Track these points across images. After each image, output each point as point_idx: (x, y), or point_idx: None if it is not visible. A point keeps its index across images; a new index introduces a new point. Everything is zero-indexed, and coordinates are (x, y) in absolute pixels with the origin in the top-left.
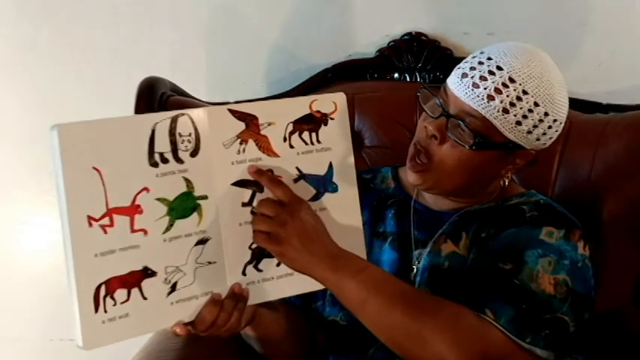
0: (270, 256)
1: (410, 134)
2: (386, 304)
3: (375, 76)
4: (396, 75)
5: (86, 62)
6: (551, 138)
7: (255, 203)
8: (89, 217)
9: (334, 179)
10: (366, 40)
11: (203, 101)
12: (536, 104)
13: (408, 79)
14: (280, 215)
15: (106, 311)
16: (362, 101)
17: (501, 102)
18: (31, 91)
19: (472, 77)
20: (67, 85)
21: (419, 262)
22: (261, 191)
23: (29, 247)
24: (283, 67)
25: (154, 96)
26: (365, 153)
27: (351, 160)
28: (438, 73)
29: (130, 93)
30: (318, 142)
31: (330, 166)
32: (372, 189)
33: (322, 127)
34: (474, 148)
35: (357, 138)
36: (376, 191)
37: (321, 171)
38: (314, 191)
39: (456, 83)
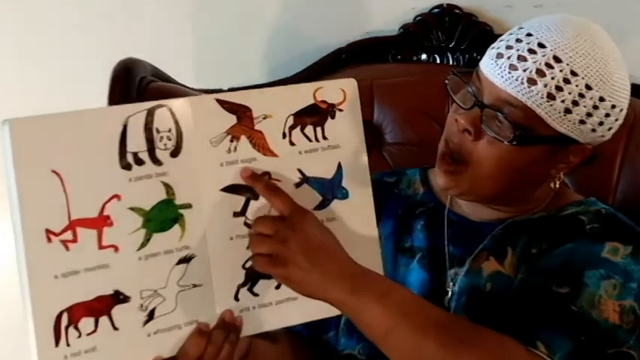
0: (268, 276)
1: (441, 128)
2: (416, 333)
3: (399, 57)
4: (423, 56)
5: (49, 43)
6: (610, 129)
7: (249, 212)
8: (48, 231)
9: (344, 183)
10: (388, 15)
11: (191, 88)
12: (588, 87)
13: (438, 60)
14: (281, 231)
15: (68, 344)
16: (382, 88)
17: (545, 86)
18: None
19: (509, 58)
20: (27, 70)
21: (454, 284)
22: (257, 198)
23: None
24: (287, 47)
25: (132, 82)
26: (386, 151)
27: (364, 159)
28: (474, 54)
29: (102, 79)
30: (324, 138)
31: (339, 167)
32: (396, 195)
33: (329, 120)
34: (514, 143)
35: (376, 133)
36: (402, 198)
37: (328, 173)
38: (320, 198)
39: (490, 66)
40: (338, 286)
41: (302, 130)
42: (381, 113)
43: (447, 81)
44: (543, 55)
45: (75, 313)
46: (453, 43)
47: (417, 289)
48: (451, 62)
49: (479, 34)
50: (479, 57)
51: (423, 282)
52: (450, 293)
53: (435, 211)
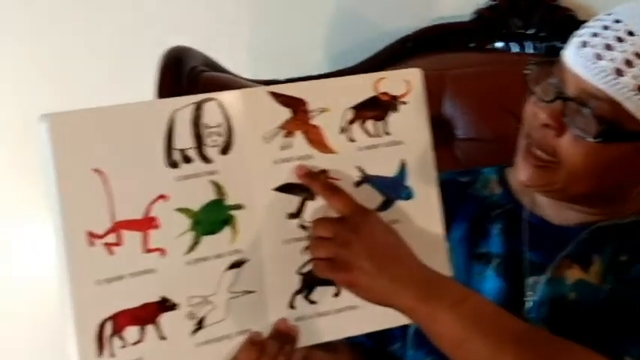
0: (326, 282)
1: (518, 123)
2: (492, 346)
3: (472, 45)
4: (499, 44)
5: (96, 31)
6: None
7: (305, 214)
8: (90, 234)
9: (407, 182)
10: None
11: (245, 79)
12: None
13: (515, 49)
14: (342, 234)
15: (112, 355)
16: (454, 79)
17: (634, 77)
18: (24, 67)
19: (594, 46)
20: (68, 60)
21: (534, 293)
22: (313, 198)
23: (13, 271)
24: (349, 34)
25: (182, 72)
26: (457, 148)
27: (430, 156)
28: (555, 42)
29: (150, 68)
30: (386, 133)
31: (403, 165)
32: (470, 196)
33: (391, 113)
34: (600, 140)
35: (446, 127)
36: (476, 199)
37: (391, 172)
38: (382, 198)
39: (573, 55)
40: (407, 292)
41: (362, 124)
42: (452, 106)
43: (526, 71)
44: (632, 44)
45: (119, 321)
46: (531, 30)
47: (492, 299)
48: (529, 51)
49: (561, 20)
50: (561, 45)
51: (499, 291)
52: (529, 303)
53: (513, 213)
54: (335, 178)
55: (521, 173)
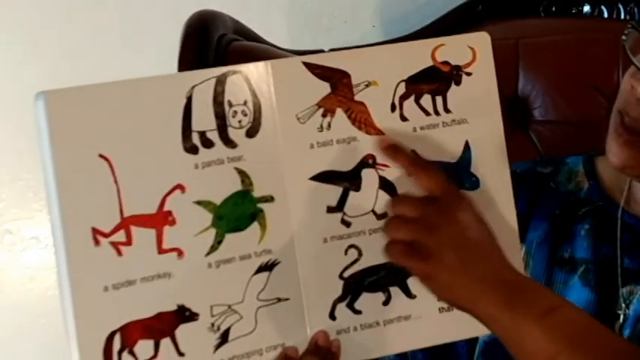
0: (374, 289)
1: (608, 102)
2: None
3: (553, 9)
4: (586, 8)
5: None
6: None
7: (347, 207)
8: (95, 231)
9: (473, 169)
10: None
11: (282, 50)
12: None
13: (605, 14)
14: (428, 216)
15: None
16: (530, 50)
17: None
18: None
19: None
20: (74, 25)
21: (628, 306)
22: (357, 189)
23: (8, 275)
24: None
25: (209, 40)
26: (534, 132)
27: (501, 138)
28: None
29: (173, 37)
30: (447, 111)
31: (467, 148)
32: (552, 190)
33: (453, 87)
34: None
35: (521, 108)
36: (560, 194)
37: (453, 156)
38: None
39: None
40: (491, 297)
41: (417, 100)
42: (529, 82)
43: (624, 37)
44: None
45: (130, 333)
46: None
47: None
48: (623, 16)
49: None
50: None
51: (586, 303)
52: (622, 317)
53: (603, 212)
54: (384, 164)
55: (613, 155)
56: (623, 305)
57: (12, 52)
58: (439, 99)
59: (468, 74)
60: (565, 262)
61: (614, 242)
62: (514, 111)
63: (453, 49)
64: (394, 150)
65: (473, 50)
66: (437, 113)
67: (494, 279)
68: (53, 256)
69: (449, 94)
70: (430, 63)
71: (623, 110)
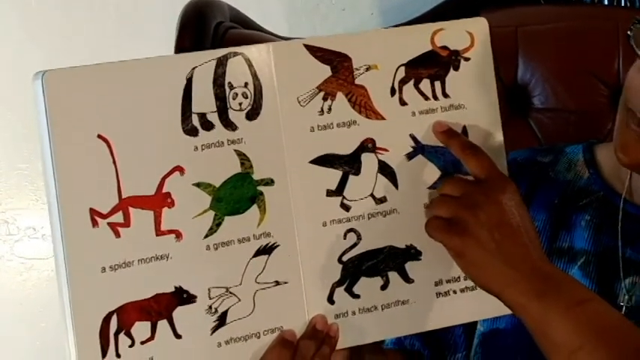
0: (372, 273)
1: (609, 90)
2: (614, 358)
3: None
4: None
5: None
6: None
7: (347, 191)
8: (93, 212)
9: None
10: None
11: (280, 37)
12: None
13: (606, 1)
14: (471, 195)
15: (118, 355)
16: (530, 37)
17: None
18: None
19: None
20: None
21: (632, 297)
22: (357, 173)
23: (4, 264)
24: None
25: (206, 28)
26: (534, 120)
27: (498, 123)
28: None
29: (170, 24)
30: (445, 95)
31: (464, 132)
32: (551, 180)
33: (451, 72)
34: None
35: (520, 96)
36: (559, 183)
37: None
38: (439, 173)
39: None
40: (521, 283)
41: (416, 84)
42: (528, 70)
43: (629, 32)
44: None
45: (127, 315)
46: None
47: None
48: (623, 3)
49: None
50: None
51: None
52: (624, 309)
53: (605, 202)
54: (383, 148)
55: (620, 150)
56: (627, 296)
57: (7, 43)
58: (438, 84)
59: (466, 59)
60: (563, 252)
61: (615, 233)
62: (514, 99)
63: (452, 33)
64: (449, 134)
65: (471, 35)
66: (435, 98)
67: (529, 267)
68: (49, 245)
69: (447, 79)
70: (429, 47)
71: (635, 108)
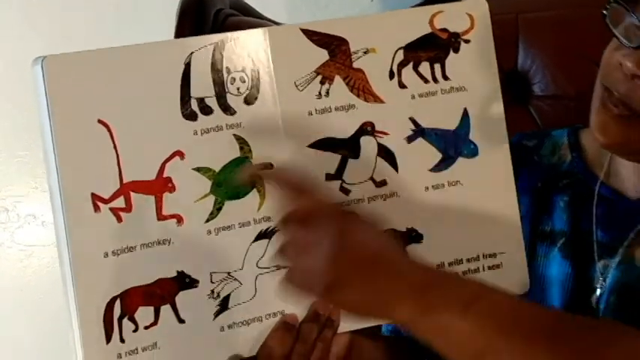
0: None
1: None
2: (524, 347)
3: None
4: None
5: None
6: None
7: (346, 175)
8: (94, 197)
9: (471, 136)
10: None
11: (280, 24)
12: None
13: None
14: (316, 240)
15: (122, 340)
16: (530, 24)
17: None
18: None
19: None
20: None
21: (605, 280)
22: (356, 157)
23: (4, 252)
24: None
25: (205, 15)
26: (534, 107)
27: (499, 105)
28: None
29: (169, 12)
30: (445, 78)
31: (465, 115)
32: (536, 163)
33: (451, 54)
34: None
35: (520, 83)
36: (542, 167)
37: (451, 124)
38: (439, 155)
39: None
40: (405, 304)
41: (415, 67)
42: (528, 57)
43: (605, 12)
44: None
45: (130, 300)
46: None
47: (559, 286)
48: None
49: None
50: None
51: (566, 276)
52: (598, 292)
53: (583, 184)
54: (383, 132)
55: (597, 130)
56: (600, 279)
57: (7, 32)
58: (437, 66)
59: (467, 41)
60: (546, 235)
61: (590, 215)
62: (514, 86)
63: (451, 16)
64: (256, 176)
65: (471, 17)
66: (435, 80)
67: (405, 285)
68: (49, 233)
69: (447, 62)
70: (428, 30)
71: (611, 86)
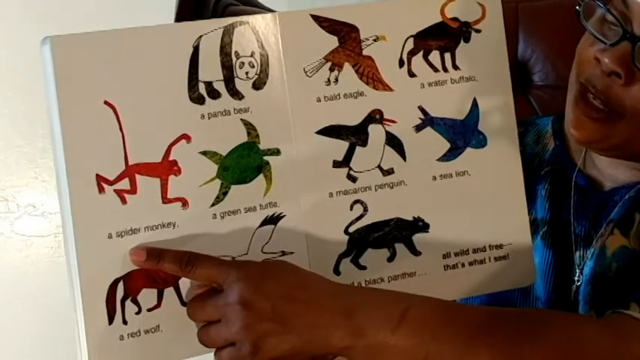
0: (379, 245)
1: None
2: (462, 347)
3: None
4: None
5: None
6: None
7: (353, 162)
8: (99, 178)
9: (480, 126)
10: None
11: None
12: None
13: None
14: (225, 310)
15: (125, 322)
16: (530, 14)
17: None
18: None
19: None
20: None
21: (581, 271)
22: (364, 144)
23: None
24: None
25: (205, 4)
26: (534, 96)
27: (509, 96)
28: None
29: (165, 2)
30: (455, 67)
31: (475, 105)
32: (520, 152)
33: (461, 43)
34: None
35: (521, 72)
36: (526, 156)
37: (460, 113)
38: (448, 145)
39: None
40: (336, 333)
41: (425, 56)
42: (529, 47)
43: (578, 7)
44: None
45: (133, 282)
46: None
47: (543, 275)
48: None
49: None
50: None
51: (549, 265)
52: (578, 282)
53: (562, 173)
54: (391, 120)
55: (573, 127)
56: (577, 270)
57: (6, 21)
58: (448, 55)
59: (478, 31)
60: (530, 224)
61: (569, 205)
62: (514, 76)
63: (463, 5)
64: (154, 257)
65: (482, 7)
66: (445, 70)
67: (326, 315)
68: (49, 223)
69: (458, 51)
70: (439, 19)
71: (587, 82)
